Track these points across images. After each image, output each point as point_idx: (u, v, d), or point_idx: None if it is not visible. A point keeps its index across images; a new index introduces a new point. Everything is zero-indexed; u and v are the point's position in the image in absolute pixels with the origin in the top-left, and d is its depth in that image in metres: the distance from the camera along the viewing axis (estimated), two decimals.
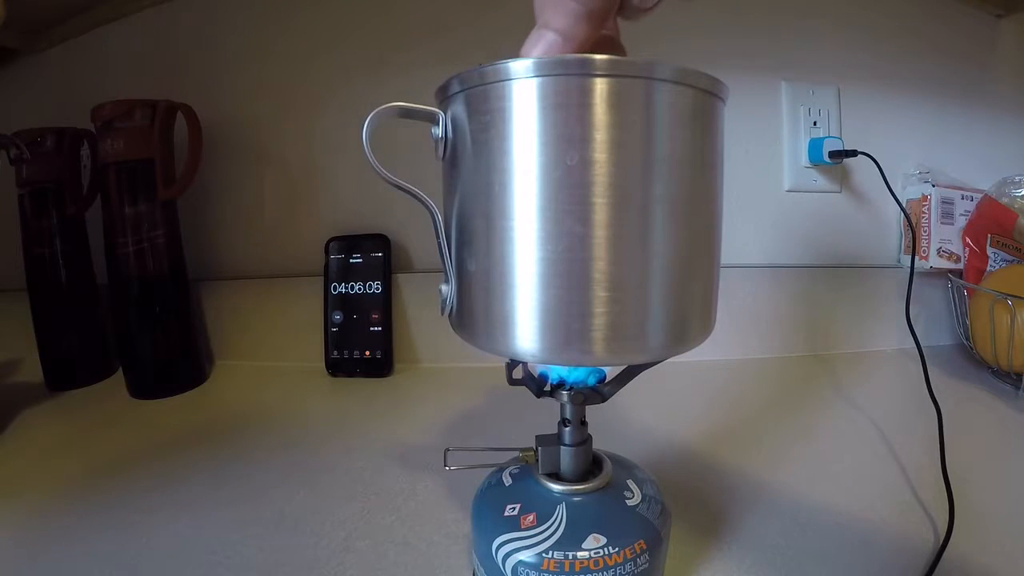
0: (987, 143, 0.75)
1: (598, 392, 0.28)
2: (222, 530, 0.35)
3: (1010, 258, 0.66)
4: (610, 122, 0.21)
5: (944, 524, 0.33)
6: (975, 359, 0.63)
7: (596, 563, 0.24)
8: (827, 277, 0.70)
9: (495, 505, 0.27)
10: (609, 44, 0.27)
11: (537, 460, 0.28)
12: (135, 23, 0.71)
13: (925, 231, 0.69)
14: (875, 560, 0.31)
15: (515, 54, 0.23)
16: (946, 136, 0.74)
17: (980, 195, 0.68)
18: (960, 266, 0.68)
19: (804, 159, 0.70)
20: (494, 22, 0.67)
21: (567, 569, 0.24)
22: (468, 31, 0.67)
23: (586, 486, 0.27)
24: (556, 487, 0.27)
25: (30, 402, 0.58)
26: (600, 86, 0.21)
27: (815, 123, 0.70)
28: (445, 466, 0.30)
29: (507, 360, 0.27)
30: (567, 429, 0.28)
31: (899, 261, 0.74)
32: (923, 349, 0.52)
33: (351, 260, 0.66)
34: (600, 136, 0.21)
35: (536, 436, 0.29)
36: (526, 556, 0.25)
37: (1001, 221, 0.64)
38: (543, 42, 0.23)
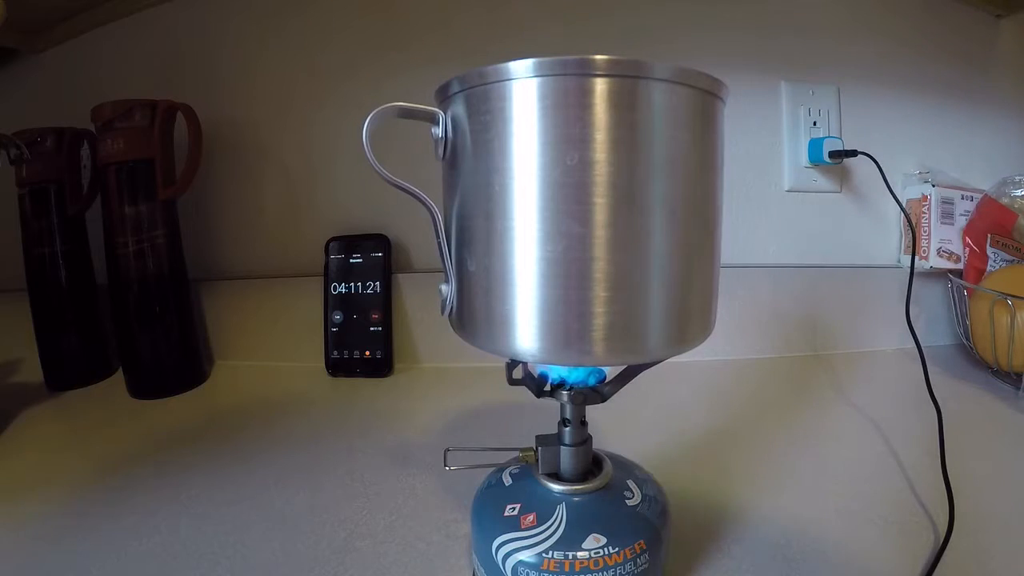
0: (987, 143, 0.75)
1: (598, 392, 0.28)
2: (222, 530, 0.35)
3: (1010, 258, 0.65)
4: (610, 122, 0.21)
5: (944, 524, 0.33)
6: (975, 359, 0.63)
7: (596, 563, 0.24)
8: (827, 277, 0.70)
9: (495, 505, 0.27)
10: None
11: (537, 460, 0.28)
12: (135, 23, 0.71)
13: (925, 231, 0.69)
14: (875, 560, 0.31)
15: (517, 53, 0.23)
16: (946, 136, 0.74)
17: (980, 195, 0.68)
18: (960, 266, 0.68)
19: (804, 159, 0.70)
20: (495, 22, 0.67)
21: (567, 569, 0.24)
22: (469, 31, 0.67)
23: (586, 486, 0.27)
24: (556, 487, 0.27)
25: (30, 402, 0.58)
26: (600, 86, 0.21)
27: (815, 123, 0.69)
28: (445, 466, 0.30)
29: (507, 360, 0.27)
30: (567, 429, 0.28)
31: (899, 261, 0.74)
32: (923, 349, 0.52)
33: (351, 260, 0.66)
34: (600, 136, 0.21)
35: (536, 436, 0.29)
36: (526, 556, 0.25)
37: (1001, 221, 0.64)
38: None
